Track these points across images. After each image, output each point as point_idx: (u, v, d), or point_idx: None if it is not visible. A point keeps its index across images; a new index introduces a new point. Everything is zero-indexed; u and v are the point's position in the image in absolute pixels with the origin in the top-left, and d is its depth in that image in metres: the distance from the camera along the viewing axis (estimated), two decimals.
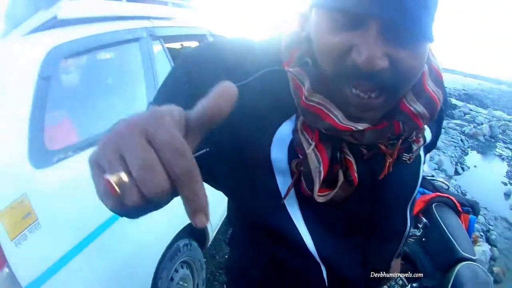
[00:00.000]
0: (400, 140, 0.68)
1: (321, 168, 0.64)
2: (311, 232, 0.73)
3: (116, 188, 0.34)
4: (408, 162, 0.74)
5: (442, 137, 8.47)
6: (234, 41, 0.75)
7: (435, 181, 2.88)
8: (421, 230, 2.51)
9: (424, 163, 0.84)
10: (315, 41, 0.62)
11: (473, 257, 2.21)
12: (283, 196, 0.68)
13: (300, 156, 0.65)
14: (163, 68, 2.23)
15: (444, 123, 10.26)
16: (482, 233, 4.54)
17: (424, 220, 2.48)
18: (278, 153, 0.67)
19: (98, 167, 0.37)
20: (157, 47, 2.28)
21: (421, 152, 0.80)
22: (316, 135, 0.64)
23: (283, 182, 0.68)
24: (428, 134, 0.79)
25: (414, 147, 0.72)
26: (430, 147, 0.89)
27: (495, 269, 3.76)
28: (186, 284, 2.39)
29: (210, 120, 0.37)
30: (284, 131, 0.67)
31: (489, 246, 4.11)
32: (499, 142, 10.16)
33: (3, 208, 1.27)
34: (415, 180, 0.81)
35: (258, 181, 0.69)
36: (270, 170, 0.67)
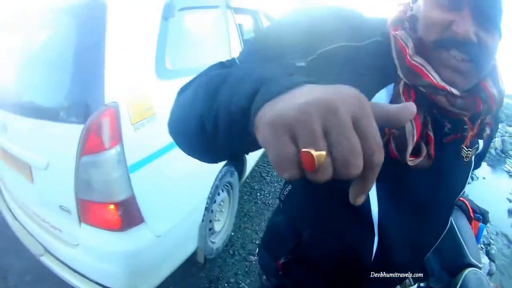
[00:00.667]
0: (480, 119, 0.80)
1: (415, 132, 0.72)
2: (380, 201, 0.79)
3: (315, 163, 0.34)
4: (465, 160, 0.84)
5: None
6: (348, 9, 0.83)
7: None
8: None
9: (473, 170, 0.92)
10: (422, 16, 0.76)
11: (479, 265, 2.10)
12: None
13: None
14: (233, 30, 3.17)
15: None
16: (483, 246, 4.48)
17: None
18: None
19: (288, 132, 0.36)
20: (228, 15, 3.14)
21: (473, 159, 0.89)
22: (413, 98, 0.73)
23: None
24: (481, 143, 0.89)
25: (487, 130, 0.83)
26: (478, 161, 1.00)
27: (492, 284, 3.66)
28: (223, 204, 3.13)
29: (385, 124, 0.41)
30: (381, 97, 0.76)
31: (488, 261, 4.03)
32: (509, 158, 10.05)
33: (133, 100, 1.77)
34: (464, 179, 0.91)
35: None
36: None
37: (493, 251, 4.46)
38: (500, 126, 14.42)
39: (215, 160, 0.69)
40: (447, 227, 0.97)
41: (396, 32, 0.77)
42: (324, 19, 0.77)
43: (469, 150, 0.82)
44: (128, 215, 1.80)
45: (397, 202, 0.80)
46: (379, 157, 0.37)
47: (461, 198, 2.67)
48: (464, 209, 2.50)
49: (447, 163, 0.81)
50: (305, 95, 0.37)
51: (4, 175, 2.59)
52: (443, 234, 0.97)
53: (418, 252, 0.94)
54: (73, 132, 1.67)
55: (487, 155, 6.94)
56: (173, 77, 2.07)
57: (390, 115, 0.40)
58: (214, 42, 2.88)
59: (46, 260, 2.17)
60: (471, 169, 0.90)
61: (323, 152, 0.34)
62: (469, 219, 2.55)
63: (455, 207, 2.56)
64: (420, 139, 0.75)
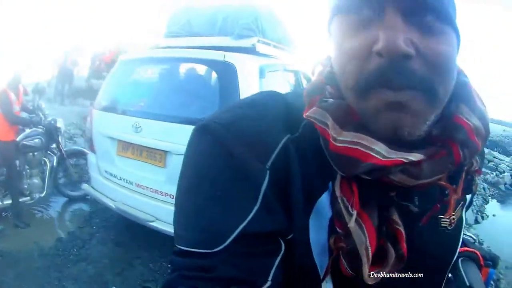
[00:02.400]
0: (464, 172, 0.59)
1: (368, 243, 0.52)
2: None
3: None
4: (448, 228, 0.62)
5: None
6: (265, 96, 0.65)
7: (464, 235, 3.27)
8: (443, 285, 2.85)
9: (464, 224, 0.71)
10: (335, 56, 0.56)
11: None
12: (321, 277, 0.57)
13: (340, 231, 0.54)
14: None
15: None
16: (492, 282, 4.92)
17: (449, 274, 2.82)
18: (316, 230, 0.57)
19: None
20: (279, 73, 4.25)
21: (463, 214, 0.69)
22: (356, 199, 0.52)
23: (321, 261, 0.57)
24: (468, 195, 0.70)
25: (476, 180, 0.64)
26: (469, 206, 0.77)
27: None
28: None
29: None
30: (323, 204, 0.57)
31: None
32: None
33: None
34: (454, 245, 0.70)
35: (296, 258, 0.57)
36: (308, 247, 0.57)
37: (502, 285, 4.88)
38: (509, 158, 14.67)
39: None
40: None
41: (308, 113, 0.57)
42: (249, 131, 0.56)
43: (452, 215, 0.61)
44: None
45: None
46: None
47: (471, 249, 3.07)
48: (475, 259, 2.92)
49: (427, 246, 0.62)
50: None
51: (123, 166, 3.67)
52: None
53: None
54: None
55: (496, 191, 7.40)
56: None
57: None
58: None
59: (156, 225, 3.33)
60: (462, 227, 0.71)
61: None
62: (480, 267, 3.02)
63: (467, 259, 2.98)
64: (384, 242, 0.55)
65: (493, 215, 7.71)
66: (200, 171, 0.55)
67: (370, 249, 0.52)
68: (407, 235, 0.56)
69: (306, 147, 0.58)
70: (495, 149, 16.61)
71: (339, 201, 0.54)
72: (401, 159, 0.49)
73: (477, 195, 8.50)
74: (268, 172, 0.54)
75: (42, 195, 4.86)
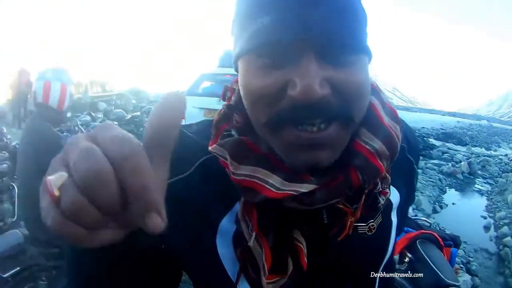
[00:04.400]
0: (364, 195, 0.59)
1: (264, 259, 0.55)
2: None
3: (52, 186, 0.28)
4: (367, 233, 0.63)
5: (420, 177, 8.79)
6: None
7: (418, 220, 3.21)
8: (407, 265, 2.73)
9: (397, 226, 0.71)
10: (245, 94, 0.56)
11: (456, 284, 2.41)
12: (234, 281, 0.62)
13: (244, 244, 0.59)
14: None
15: (422, 163, 10.61)
16: (462, 265, 4.93)
17: (409, 255, 2.71)
18: (224, 246, 0.63)
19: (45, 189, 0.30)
20: None
21: (393, 217, 0.70)
22: (255, 222, 0.55)
23: (233, 270, 0.63)
24: (395, 194, 0.70)
25: (381, 200, 0.61)
26: (404, 206, 0.77)
27: None
28: None
29: (165, 137, 0.32)
30: (227, 224, 0.62)
31: (470, 277, 4.53)
32: (478, 178, 10.61)
33: None
34: (382, 247, 0.70)
35: (209, 271, 0.64)
36: (218, 262, 0.63)
37: (474, 267, 4.97)
38: (465, 148, 15.18)
39: None
40: None
41: (211, 148, 0.59)
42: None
43: (371, 222, 0.63)
44: None
45: None
46: (119, 149, 0.29)
47: (428, 231, 2.92)
48: (433, 240, 2.88)
49: (350, 253, 0.65)
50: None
51: None
52: None
53: None
54: None
55: (454, 181, 7.62)
56: None
57: (159, 124, 0.32)
58: None
59: None
60: (392, 228, 0.71)
61: (61, 173, 0.29)
62: (441, 248, 3.03)
63: (425, 240, 2.82)
64: (285, 257, 0.57)
65: (453, 204, 7.90)
66: None
67: (265, 265, 0.56)
68: (321, 246, 0.62)
69: (211, 173, 0.61)
70: (450, 141, 17.26)
71: (241, 223, 0.58)
72: (291, 192, 0.52)
73: (433, 186, 8.76)
74: None
75: (14, 219, 4.70)
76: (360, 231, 0.63)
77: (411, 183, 0.79)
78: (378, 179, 0.59)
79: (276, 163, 0.56)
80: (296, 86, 0.48)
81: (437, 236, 2.82)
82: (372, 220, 0.64)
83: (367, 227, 0.63)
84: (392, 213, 0.70)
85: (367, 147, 0.56)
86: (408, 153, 0.75)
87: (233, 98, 0.64)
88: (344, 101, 0.51)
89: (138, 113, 11.19)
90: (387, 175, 0.61)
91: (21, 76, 12.33)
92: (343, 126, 0.53)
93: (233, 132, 0.61)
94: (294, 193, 0.52)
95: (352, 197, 0.58)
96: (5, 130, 5.22)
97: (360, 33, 0.53)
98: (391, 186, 0.65)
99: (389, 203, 0.68)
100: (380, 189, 0.61)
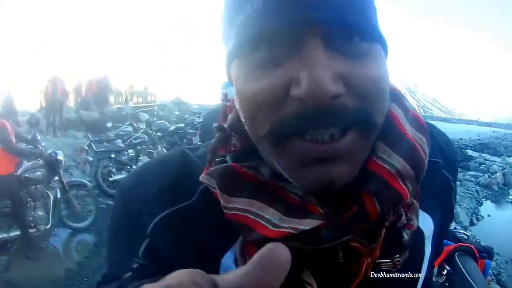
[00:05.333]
0: (383, 229, 0.47)
1: None
2: None
3: None
4: (392, 269, 0.52)
5: (458, 189, 8.07)
6: (174, 154, 0.63)
7: (457, 232, 3.34)
8: (445, 277, 2.80)
9: (430, 256, 0.59)
10: (240, 103, 0.46)
11: None
12: None
13: None
14: None
15: (460, 175, 10.68)
16: (493, 277, 5.11)
17: (448, 268, 2.79)
18: None
19: None
20: None
21: (426, 248, 0.58)
22: None
23: None
24: (426, 221, 0.58)
25: (405, 236, 0.51)
26: (440, 231, 0.62)
27: None
28: None
29: None
30: (229, 263, 0.52)
31: (499, 287, 4.80)
32: None
33: None
34: (411, 286, 0.57)
35: None
36: None
37: (504, 278, 5.17)
38: (500, 159, 14.87)
39: None
40: None
41: (201, 178, 0.50)
42: (137, 198, 0.57)
43: (396, 257, 0.51)
44: None
45: None
46: None
47: (466, 244, 2.96)
48: (470, 253, 3.03)
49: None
50: None
51: None
52: None
53: None
54: None
55: (490, 192, 7.87)
56: None
57: (253, 279, 0.24)
58: None
59: None
60: (426, 258, 0.58)
61: None
62: (476, 260, 3.08)
63: (462, 253, 2.87)
64: None
65: (488, 216, 7.97)
66: (110, 222, 0.62)
67: None
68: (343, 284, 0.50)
69: (213, 203, 0.50)
70: (486, 151, 16.83)
71: (240, 264, 0.49)
72: (290, 231, 0.43)
73: (470, 198, 8.73)
74: (148, 238, 0.54)
75: (48, 227, 4.84)
76: (383, 268, 0.51)
77: (449, 202, 0.65)
78: (401, 208, 0.48)
79: (277, 191, 0.47)
80: (302, 83, 0.38)
81: (473, 248, 2.93)
82: (398, 256, 0.52)
83: (391, 263, 0.51)
84: (424, 244, 0.58)
85: (386, 166, 0.45)
86: (445, 169, 0.62)
87: (230, 117, 0.54)
88: (361, 100, 0.41)
89: (182, 125, 10.79)
90: (414, 201, 0.50)
91: (55, 84, 12.25)
92: (362, 134, 0.43)
93: (228, 158, 0.51)
94: (293, 231, 0.43)
95: (369, 230, 0.47)
96: (39, 137, 5.29)
97: (373, 17, 0.45)
98: (422, 212, 0.55)
99: (419, 233, 0.56)
100: (405, 221, 0.49)
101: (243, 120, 0.47)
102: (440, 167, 0.62)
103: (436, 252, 0.62)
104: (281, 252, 0.24)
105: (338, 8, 0.39)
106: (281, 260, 0.24)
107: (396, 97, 0.52)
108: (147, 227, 0.54)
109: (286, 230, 0.43)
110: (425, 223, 0.57)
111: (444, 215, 0.63)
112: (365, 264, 0.48)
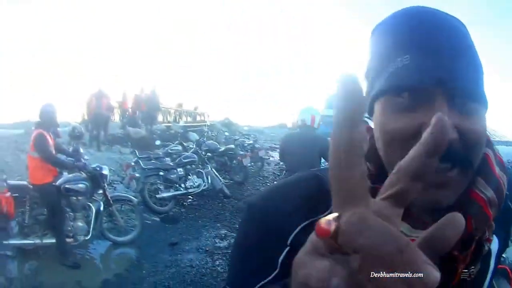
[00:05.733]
0: (475, 241, 0.59)
1: None
2: None
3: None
4: (467, 279, 0.61)
5: None
6: (305, 175, 0.71)
7: None
8: None
9: (492, 272, 0.70)
10: (380, 135, 0.59)
11: None
12: None
13: None
14: None
15: None
16: None
17: None
18: None
19: None
20: None
21: (491, 263, 0.68)
22: None
23: None
24: (495, 241, 0.67)
25: (485, 247, 0.62)
26: (500, 253, 0.74)
27: None
28: None
29: (434, 250, 0.30)
30: None
31: None
32: None
33: None
34: None
35: None
36: None
37: None
38: None
39: None
40: None
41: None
42: (278, 211, 0.65)
43: (471, 268, 0.61)
44: None
45: None
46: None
47: (503, 266, 2.89)
48: (505, 274, 2.91)
49: None
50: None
51: None
52: None
53: None
54: None
55: None
56: None
57: (436, 237, 0.31)
58: None
59: None
60: (488, 273, 0.68)
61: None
62: (509, 281, 2.89)
63: (498, 275, 2.85)
64: None
65: None
66: (239, 239, 0.72)
67: None
68: None
69: None
70: None
71: None
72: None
73: None
74: (288, 247, 0.62)
75: (87, 238, 4.93)
76: (462, 277, 0.61)
77: (508, 230, 0.76)
78: (486, 227, 0.60)
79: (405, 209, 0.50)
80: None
81: (509, 271, 2.86)
82: (473, 267, 0.62)
83: (468, 273, 0.61)
84: (491, 259, 0.68)
85: (482, 196, 0.58)
86: (510, 201, 0.71)
87: (366, 147, 0.57)
88: (467, 147, 0.54)
89: (232, 146, 10.75)
90: (492, 223, 0.61)
91: (99, 99, 12.07)
92: (463, 171, 0.55)
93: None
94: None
95: (460, 244, 0.57)
96: (81, 150, 5.37)
97: (482, 83, 0.58)
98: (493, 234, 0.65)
99: (489, 249, 0.66)
100: (488, 236, 0.61)
101: (379, 147, 0.61)
102: (508, 198, 0.70)
103: (495, 269, 0.72)
104: (459, 217, 0.31)
105: (462, 77, 0.54)
106: (459, 222, 0.31)
107: (489, 143, 0.65)
108: (288, 237, 0.62)
109: (414, 238, 0.47)
110: (494, 242, 0.67)
111: (505, 239, 0.74)
112: (460, 269, 0.58)
